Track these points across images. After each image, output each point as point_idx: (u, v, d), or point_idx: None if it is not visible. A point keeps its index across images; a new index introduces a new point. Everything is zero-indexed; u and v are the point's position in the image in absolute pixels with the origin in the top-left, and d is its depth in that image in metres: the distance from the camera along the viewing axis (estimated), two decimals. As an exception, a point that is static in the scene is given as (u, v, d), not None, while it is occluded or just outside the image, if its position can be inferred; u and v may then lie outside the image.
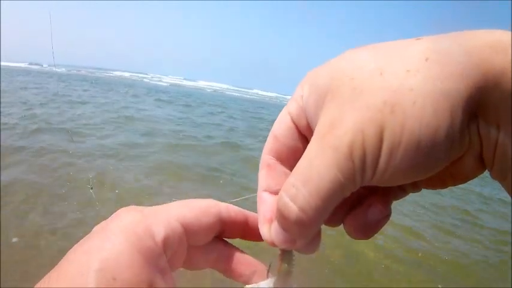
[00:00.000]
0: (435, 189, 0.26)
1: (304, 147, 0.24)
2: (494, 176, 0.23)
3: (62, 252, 0.24)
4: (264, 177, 0.27)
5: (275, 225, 0.25)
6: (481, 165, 0.23)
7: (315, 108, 0.24)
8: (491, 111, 0.21)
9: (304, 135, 0.26)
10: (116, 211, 0.27)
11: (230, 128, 8.78)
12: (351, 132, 0.21)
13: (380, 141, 0.21)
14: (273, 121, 0.28)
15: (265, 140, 0.28)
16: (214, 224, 0.29)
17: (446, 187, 0.26)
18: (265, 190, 0.27)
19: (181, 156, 5.01)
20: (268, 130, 0.28)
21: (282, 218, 0.23)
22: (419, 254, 3.08)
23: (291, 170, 0.25)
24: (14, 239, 2.39)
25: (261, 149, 0.28)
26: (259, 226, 0.27)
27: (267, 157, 0.28)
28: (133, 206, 0.28)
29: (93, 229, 0.26)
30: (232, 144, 6.38)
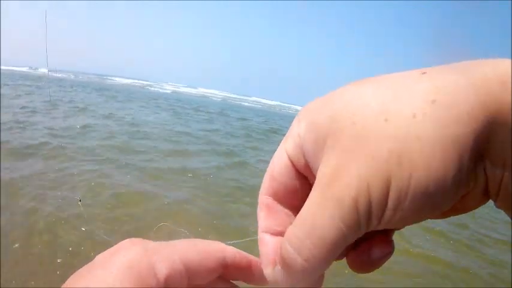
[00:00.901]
0: (437, 218, 0.25)
1: (303, 186, 0.25)
2: (498, 206, 0.22)
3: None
4: (263, 219, 0.27)
5: (278, 268, 0.25)
6: (485, 197, 0.23)
7: (313, 150, 0.23)
8: (497, 150, 0.20)
9: (302, 173, 0.26)
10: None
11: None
12: (356, 183, 0.20)
13: (386, 192, 0.20)
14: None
15: None
16: (217, 267, 0.29)
17: (448, 217, 0.25)
18: (266, 231, 0.27)
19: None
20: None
21: (286, 266, 0.24)
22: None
23: (289, 209, 0.27)
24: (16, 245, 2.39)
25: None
26: (263, 268, 0.27)
27: (264, 197, 0.27)
28: (138, 239, 0.28)
29: (95, 259, 0.26)
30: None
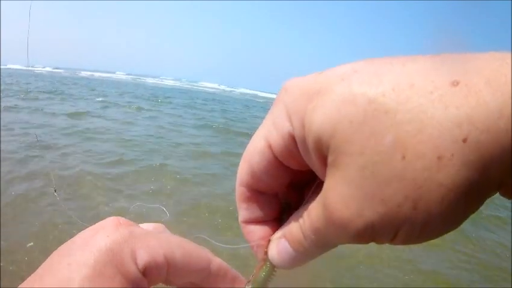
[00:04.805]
0: None
1: (284, 175, 0.25)
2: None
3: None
4: (245, 210, 0.28)
5: (273, 248, 0.26)
6: None
7: (314, 156, 0.22)
8: None
9: (285, 165, 0.25)
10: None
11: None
12: (363, 224, 0.20)
13: (394, 235, 0.20)
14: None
15: None
16: (198, 272, 0.29)
17: None
18: (249, 222, 0.28)
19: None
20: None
21: (288, 263, 0.26)
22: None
23: (270, 197, 0.27)
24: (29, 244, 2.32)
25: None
26: (255, 253, 0.28)
27: (243, 189, 0.27)
28: (124, 220, 0.27)
29: (78, 234, 0.26)
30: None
